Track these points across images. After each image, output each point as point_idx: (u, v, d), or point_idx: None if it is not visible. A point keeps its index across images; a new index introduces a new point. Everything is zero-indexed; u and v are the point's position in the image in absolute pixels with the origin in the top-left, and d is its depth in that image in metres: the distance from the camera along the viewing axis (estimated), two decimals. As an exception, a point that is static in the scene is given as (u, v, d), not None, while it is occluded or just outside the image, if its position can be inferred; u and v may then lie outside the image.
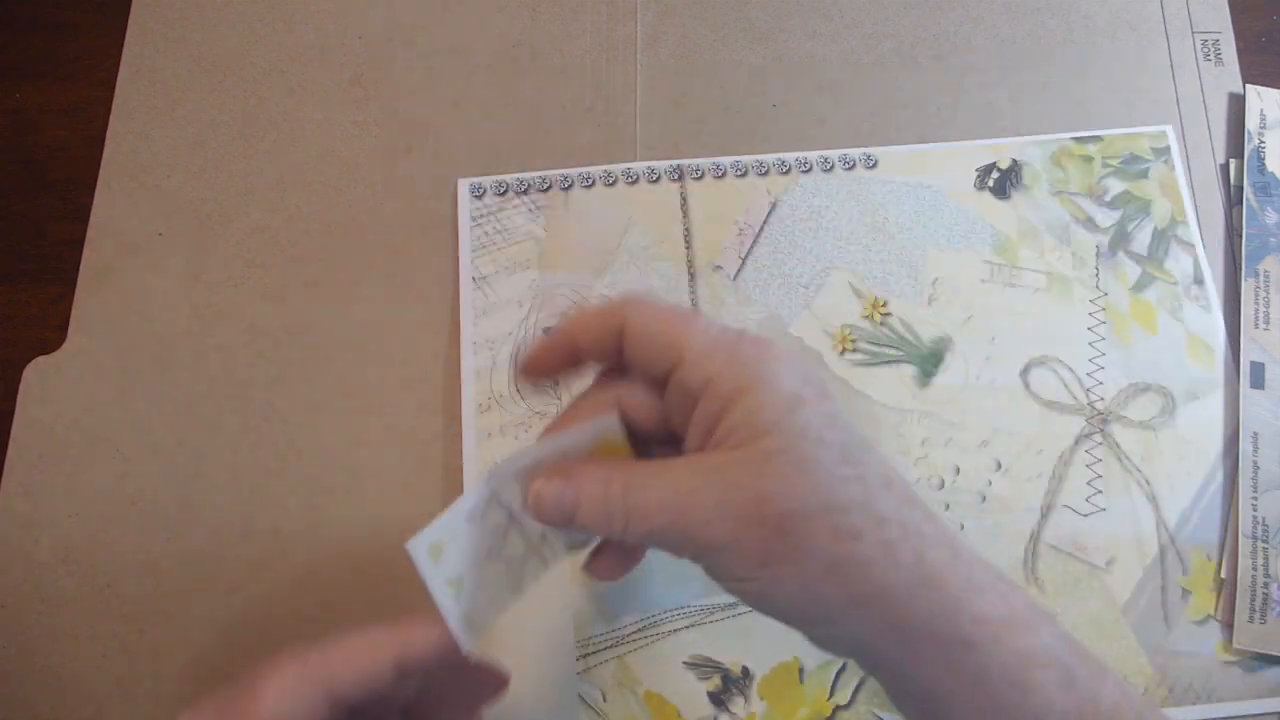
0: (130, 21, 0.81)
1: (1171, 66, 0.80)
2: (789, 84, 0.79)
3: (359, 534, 0.68)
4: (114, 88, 0.79)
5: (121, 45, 0.80)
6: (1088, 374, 0.72)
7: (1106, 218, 0.75)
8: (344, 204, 0.76)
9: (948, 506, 0.69)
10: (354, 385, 0.72)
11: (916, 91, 0.79)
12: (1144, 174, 0.76)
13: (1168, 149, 0.77)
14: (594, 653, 0.65)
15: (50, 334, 0.73)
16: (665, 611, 0.66)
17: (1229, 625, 0.66)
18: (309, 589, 0.67)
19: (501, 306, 0.72)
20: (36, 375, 0.72)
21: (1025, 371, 0.72)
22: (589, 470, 0.50)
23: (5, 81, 0.80)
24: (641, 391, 0.52)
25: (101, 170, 0.77)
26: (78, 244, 0.75)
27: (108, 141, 0.78)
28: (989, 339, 0.72)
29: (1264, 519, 0.68)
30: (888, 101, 0.79)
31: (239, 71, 0.80)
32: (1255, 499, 0.68)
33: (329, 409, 0.71)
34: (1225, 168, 0.76)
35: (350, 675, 0.50)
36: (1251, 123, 0.77)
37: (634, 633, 0.66)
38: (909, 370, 0.72)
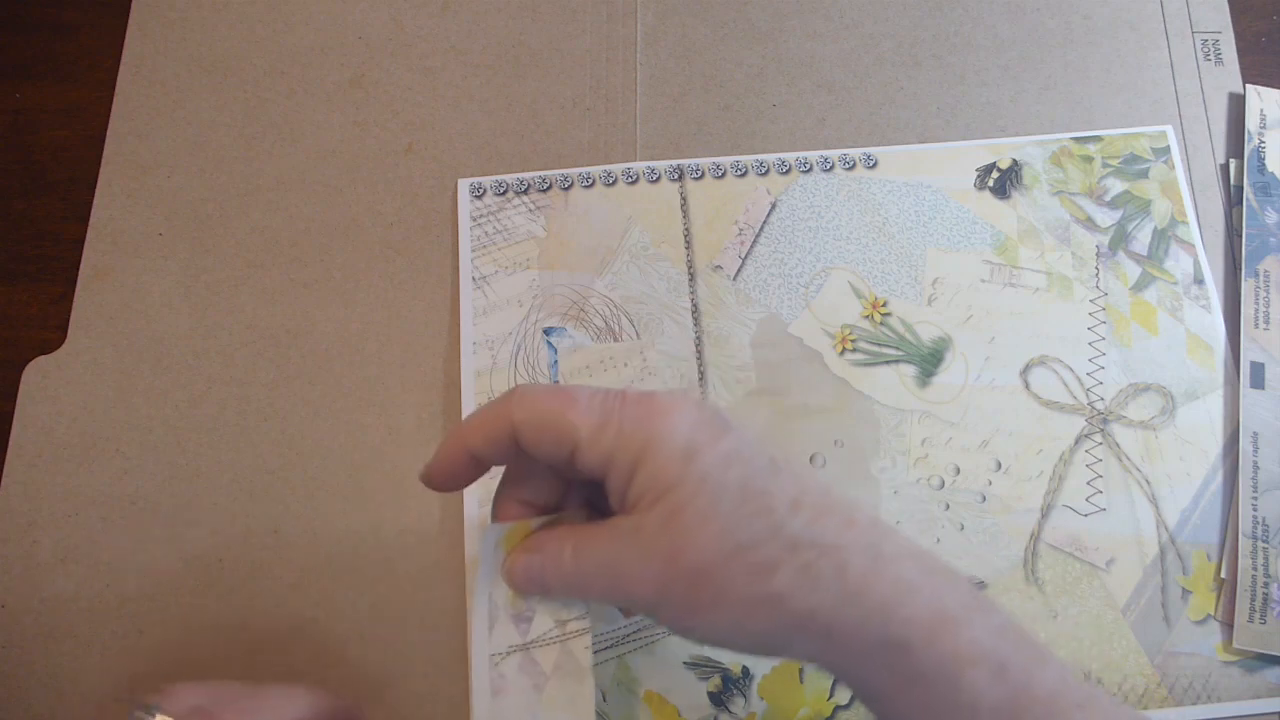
0: (130, 21, 0.81)
1: (1171, 66, 0.80)
2: (789, 84, 0.79)
3: (359, 534, 0.68)
4: (114, 88, 0.79)
5: (121, 45, 0.80)
6: (1088, 374, 0.72)
7: (1106, 218, 0.75)
8: (344, 204, 0.76)
9: (948, 506, 0.69)
10: (354, 385, 0.72)
11: (916, 91, 0.79)
12: (1144, 174, 0.76)
13: (1168, 149, 0.77)
14: (595, 652, 0.65)
15: (50, 334, 0.73)
16: (666, 611, 0.66)
17: (1229, 625, 0.66)
18: (309, 589, 0.67)
19: (501, 306, 0.72)
20: (36, 375, 0.72)
21: (1025, 371, 0.72)
22: (549, 539, 0.53)
23: (5, 81, 0.80)
24: (545, 481, 0.55)
25: (101, 170, 0.77)
26: (78, 244, 0.75)
27: (108, 141, 0.78)
28: (989, 339, 0.72)
29: (1264, 519, 0.68)
30: (888, 101, 0.79)
31: (239, 71, 0.80)
32: (1255, 499, 0.68)
33: (329, 409, 0.71)
34: (1225, 168, 0.76)
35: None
36: (1251, 123, 0.77)
37: (634, 633, 0.66)
38: (909, 370, 0.72)
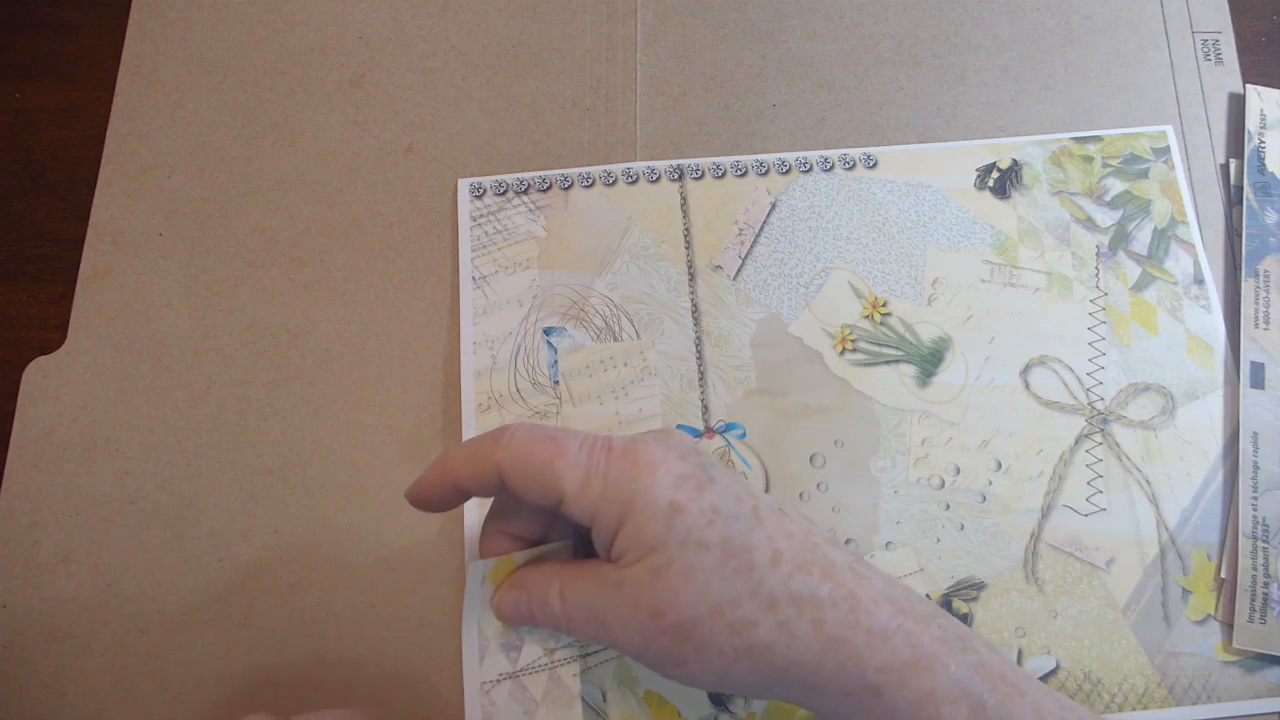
0: (130, 21, 0.81)
1: (1171, 66, 0.80)
2: (789, 84, 0.79)
3: (359, 534, 0.68)
4: (114, 88, 0.79)
5: (121, 45, 0.80)
6: (1088, 374, 0.72)
7: (1106, 218, 0.75)
8: (344, 204, 0.76)
9: (948, 506, 0.69)
10: (354, 385, 0.72)
11: (916, 91, 0.79)
12: (1144, 174, 0.76)
13: (1168, 149, 0.77)
14: (594, 652, 0.65)
15: (50, 334, 0.73)
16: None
17: (1229, 625, 0.66)
18: (309, 589, 0.67)
19: (501, 306, 0.72)
20: (36, 375, 0.72)
21: (1025, 371, 0.72)
22: (537, 577, 0.56)
23: (5, 81, 0.80)
24: (532, 515, 0.57)
25: (101, 170, 0.77)
26: (78, 244, 0.75)
27: (108, 141, 0.78)
28: (989, 339, 0.72)
29: (1264, 519, 0.68)
30: (888, 101, 0.79)
31: (239, 71, 0.80)
32: (1255, 499, 0.68)
33: (329, 409, 0.71)
34: (1225, 168, 0.76)
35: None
36: (1251, 123, 0.77)
37: (634, 632, 0.66)
38: (909, 370, 0.72)
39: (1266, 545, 0.67)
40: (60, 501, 0.69)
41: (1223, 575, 0.67)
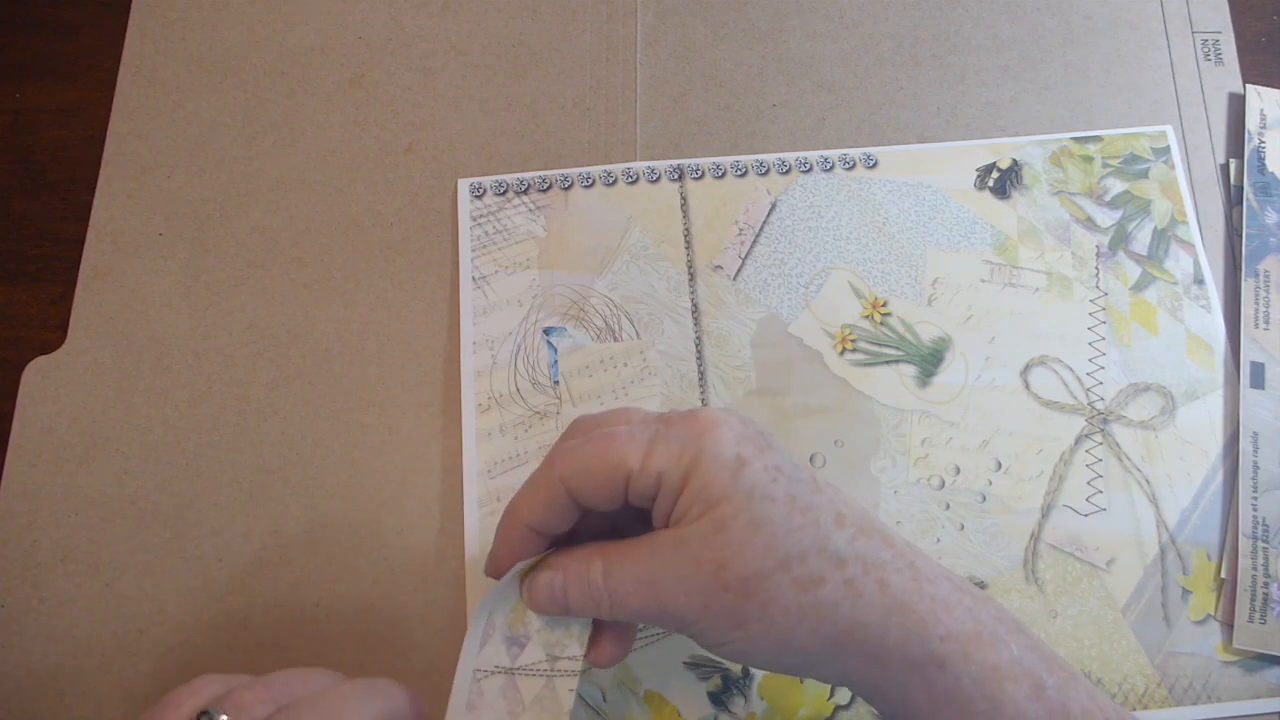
0: (130, 21, 0.81)
1: (1171, 66, 0.80)
2: (789, 84, 0.79)
3: (359, 534, 0.68)
4: (114, 88, 0.79)
5: (121, 45, 0.80)
6: (1088, 374, 0.72)
7: (1106, 217, 0.75)
8: (344, 204, 0.76)
9: (948, 506, 0.69)
10: (354, 385, 0.72)
11: (916, 91, 0.79)
12: (1144, 174, 0.76)
13: (1168, 149, 0.77)
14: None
15: (50, 334, 0.73)
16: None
17: (1229, 625, 0.66)
18: (309, 589, 0.67)
19: (501, 306, 0.73)
20: (36, 375, 0.72)
21: (1025, 371, 0.72)
22: (573, 557, 0.54)
23: (5, 81, 0.80)
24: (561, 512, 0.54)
25: (101, 170, 0.77)
26: (78, 244, 0.75)
27: (108, 141, 0.78)
28: (989, 339, 0.72)
29: (1264, 519, 0.68)
30: (888, 101, 0.79)
31: (239, 71, 0.80)
32: (1255, 499, 0.68)
33: (329, 409, 0.71)
34: (1225, 168, 0.76)
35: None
36: (1251, 123, 0.77)
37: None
38: (909, 370, 0.72)
39: (1266, 545, 0.67)
40: (59, 501, 0.69)
41: (1223, 575, 0.67)
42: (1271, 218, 0.74)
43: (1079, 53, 0.80)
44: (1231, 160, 0.77)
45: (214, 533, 0.69)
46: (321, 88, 0.79)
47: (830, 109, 0.79)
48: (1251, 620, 0.66)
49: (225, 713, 0.47)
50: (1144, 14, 0.81)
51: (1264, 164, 0.75)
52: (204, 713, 0.47)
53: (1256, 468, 0.69)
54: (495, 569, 0.55)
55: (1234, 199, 0.76)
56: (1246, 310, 0.73)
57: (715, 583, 0.49)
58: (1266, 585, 0.67)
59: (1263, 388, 0.71)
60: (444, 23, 0.81)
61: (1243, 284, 0.73)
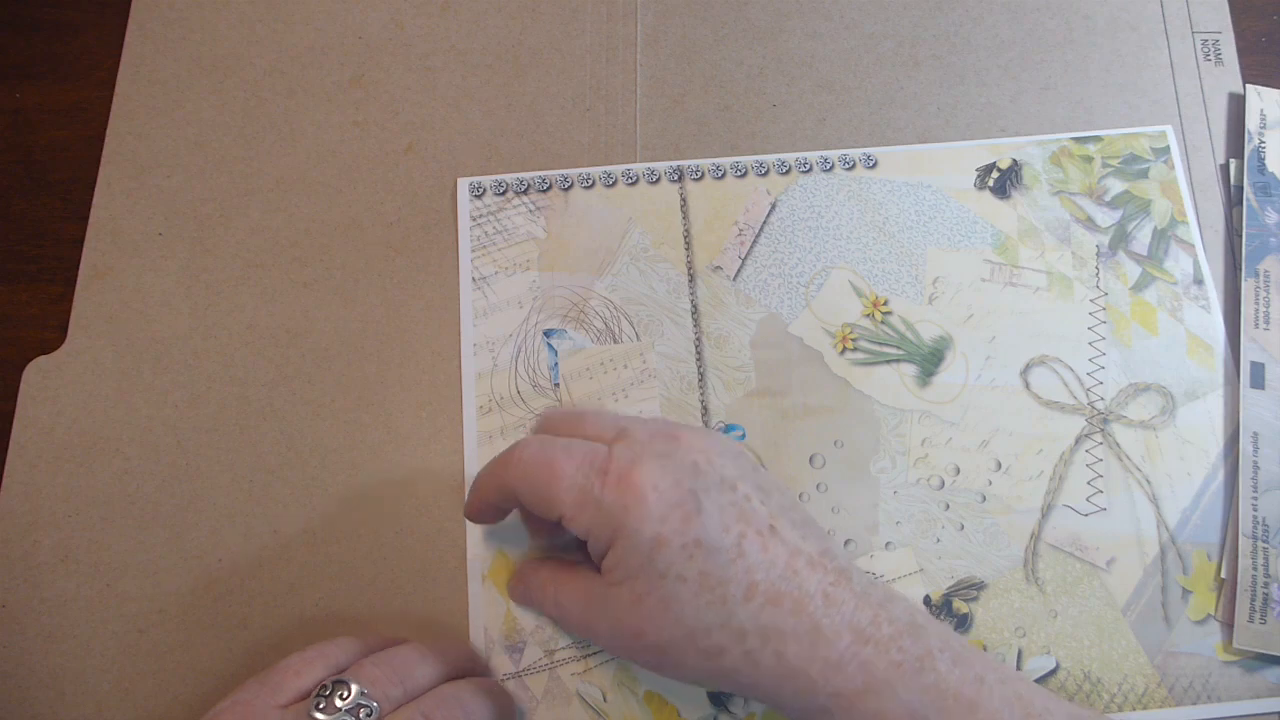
0: (130, 21, 0.81)
1: (1171, 66, 0.79)
2: (789, 84, 0.79)
3: (359, 534, 0.68)
4: (114, 88, 0.79)
5: (121, 45, 0.80)
6: (1088, 374, 0.72)
7: (1106, 217, 0.75)
8: (344, 204, 0.76)
9: (948, 506, 0.69)
10: (354, 385, 0.72)
11: (916, 91, 0.79)
12: (1144, 174, 0.76)
13: (1168, 149, 0.77)
14: (595, 653, 0.65)
15: (50, 334, 0.73)
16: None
17: (1229, 625, 0.66)
18: (309, 589, 0.67)
19: (501, 308, 0.72)
20: (36, 375, 0.72)
21: (1025, 371, 0.72)
22: (536, 579, 0.64)
23: (5, 81, 0.80)
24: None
25: (101, 170, 0.77)
26: (78, 244, 0.75)
27: (108, 141, 0.78)
28: (989, 338, 0.72)
29: (1264, 519, 0.68)
30: (888, 101, 0.79)
31: (239, 71, 0.80)
32: (1255, 499, 0.68)
33: (329, 409, 0.71)
34: (1225, 168, 0.76)
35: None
36: (1251, 123, 0.77)
37: (634, 633, 0.66)
38: (909, 369, 0.72)
39: (1266, 545, 0.67)
40: (60, 501, 0.69)
41: (1223, 575, 0.67)
42: (1271, 218, 0.74)
43: (1079, 53, 0.80)
44: (1231, 160, 0.77)
45: (214, 533, 0.69)
46: (321, 88, 0.79)
47: (830, 109, 0.79)
48: (1251, 620, 0.66)
49: (362, 686, 0.54)
50: (1144, 14, 0.81)
51: (1264, 164, 0.75)
52: (338, 681, 0.54)
53: (1256, 468, 0.69)
54: (468, 516, 0.64)
55: (1234, 199, 0.76)
56: (1246, 310, 0.72)
57: (635, 643, 0.56)
58: (1266, 585, 0.67)
59: (1263, 388, 0.71)
60: (444, 23, 0.81)
61: (1243, 284, 0.73)
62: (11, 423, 0.71)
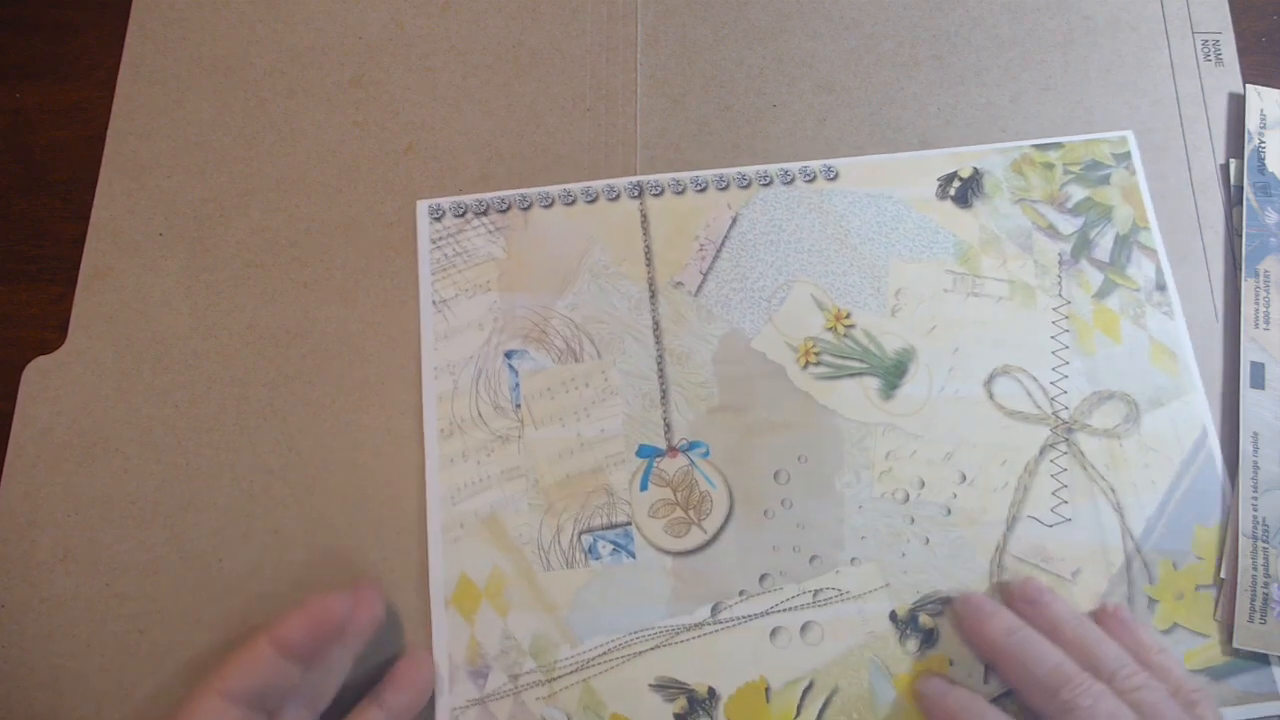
0: (130, 21, 0.82)
1: (1171, 66, 0.79)
2: (789, 84, 0.79)
3: (359, 534, 0.69)
4: (114, 88, 0.80)
5: (121, 45, 0.81)
6: (1052, 383, 0.72)
7: (1068, 225, 0.75)
8: (344, 204, 0.76)
9: (913, 520, 0.69)
10: (354, 385, 0.72)
11: (916, 91, 0.79)
12: (1105, 180, 0.76)
13: (1129, 154, 0.76)
14: (560, 676, 0.66)
15: (50, 334, 0.74)
16: (630, 634, 0.67)
17: (1229, 625, 0.66)
18: (309, 589, 0.68)
19: (462, 330, 0.73)
20: (36, 375, 0.72)
21: (989, 381, 0.72)
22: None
23: (5, 81, 0.81)
24: None
25: (101, 170, 0.77)
26: (78, 244, 0.75)
27: (108, 141, 0.78)
28: (952, 349, 0.72)
29: (1264, 519, 0.68)
30: (888, 102, 0.79)
31: (239, 71, 0.80)
32: (1255, 499, 0.68)
33: (329, 409, 0.72)
34: (1225, 168, 0.76)
35: (236, 672, 0.58)
36: (1251, 123, 0.76)
37: (599, 655, 0.66)
38: (873, 382, 0.72)
39: (1266, 545, 0.67)
40: (59, 501, 0.70)
41: (1222, 575, 0.67)
42: (1271, 218, 0.74)
43: (1079, 53, 0.80)
44: (1231, 160, 0.76)
45: (214, 533, 0.69)
46: (321, 88, 0.80)
47: (831, 109, 0.79)
48: (1251, 620, 0.66)
49: None
50: (1144, 15, 0.81)
51: (1264, 164, 0.75)
52: None
53: (1256, 468, 0.69)
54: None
55: (1234, 199, 0.75)
56: (1246, 310, 0.72)
57: None
58: (1266, 585, 0.67)
59: (1263, 388, 0.71)
60: (444, 23, 0.81)
61: (1243, 284, 0.73)
62: (11, 423, 0.72)
